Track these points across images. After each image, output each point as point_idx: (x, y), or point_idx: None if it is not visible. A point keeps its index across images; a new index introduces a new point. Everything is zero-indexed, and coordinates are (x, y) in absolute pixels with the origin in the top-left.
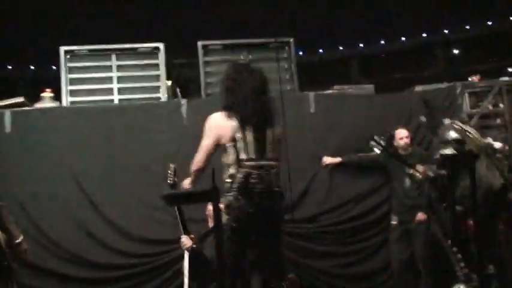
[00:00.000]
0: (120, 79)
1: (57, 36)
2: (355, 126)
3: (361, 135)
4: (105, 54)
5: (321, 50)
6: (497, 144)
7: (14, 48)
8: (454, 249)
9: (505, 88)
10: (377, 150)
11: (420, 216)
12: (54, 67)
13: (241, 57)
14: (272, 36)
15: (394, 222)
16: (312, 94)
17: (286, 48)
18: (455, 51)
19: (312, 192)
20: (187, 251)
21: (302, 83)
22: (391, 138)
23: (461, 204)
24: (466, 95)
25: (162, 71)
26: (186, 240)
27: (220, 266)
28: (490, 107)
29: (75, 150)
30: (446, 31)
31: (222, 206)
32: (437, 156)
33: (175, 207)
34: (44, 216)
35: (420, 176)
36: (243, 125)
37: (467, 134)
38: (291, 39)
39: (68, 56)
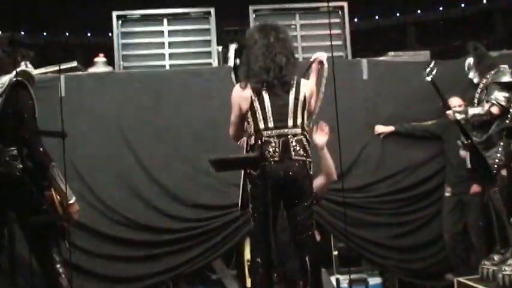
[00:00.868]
0: (171, 44)
1: (110, 1)
2: (409, 94)
3: (415, 104)
4: (157, 19)
5: (377, 17)
6: None
7: (69, 14)
8: None
9: None
10: (428, 78)
11: (475, 187)
12: (110, 34)
13: (293, 22)
14: (325, 0)
15: (447, 194)
16: (364, 60)
17: (339, 13)
18: None
19: (363, 162)
20: None
21: (357, 51)
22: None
23: None
24: None
25: (213, 36)
26: None
27: None
28: None
29: (128, 115)
30: None
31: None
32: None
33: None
34: (97, 179)
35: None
36: (257, 92)
37: None
38: (344, 4)
39: (120, 21)
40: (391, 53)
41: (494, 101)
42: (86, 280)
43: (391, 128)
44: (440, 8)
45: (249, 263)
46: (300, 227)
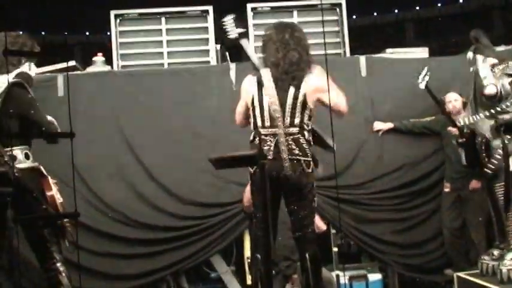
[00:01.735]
0: (169, 43)
1: (108, 0)
2: (408, 91)
3: (414, 100)
4: (155, 18)
5: (375, 13)
6: None
7: (68, 14)
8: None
9: None
10: (422, 86)
11: (474, 183)
12: (108, 33)
13: (290, 20)
14: None
15: (446, 190)
16: (363, 57)
17: (337, 10)
18: None
19: (361, 159)
20: None
21: (355, 48)
22: (442, 103)
23: None
24: None
25: (211, 35)
26: None
27: None
28: None
29: (126, 114)
30: None
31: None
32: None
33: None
34: (96, 178)
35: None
36: (260, 88)
37: None
38: (342, 1)
39: (119, 20)
40: (390, 50)
41: None
42: (86, 278)
43: (389, 125)
44: (439, 4)
45: (249, 260)
46: (299, 224)
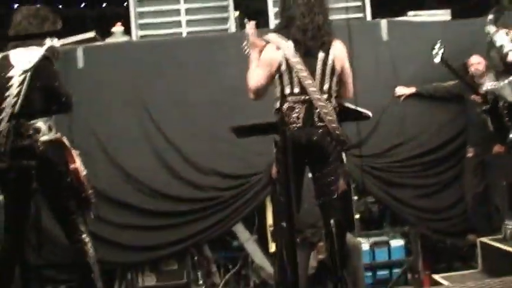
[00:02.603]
0: (188, 11)
1: None
2: (430, 55)
3: (436, 64)
4: None
5: None
6: None
7: None
8: None
9: None
10: (437, 60)
11: (497, 148)
12: (126, 3)
13: None
14: None
15: (469, 155)
16: (384, 21)
17: None
18: None
19: (384, 125)
20: None
21: (376, 11)
22: (465, 66)
23: None
24: None
25: (230, 2)
26: None
27: None
28: None
29: (146, 84)
30: None
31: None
32: None
33: None
34: (118, 149)
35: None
36: (289, 55)
37: None
38: None
39: None
40: (411, 13)
41: None
42: (107, 250)
43: (412, 90)
44: None
45: (271, 228)
46: (323, 191)
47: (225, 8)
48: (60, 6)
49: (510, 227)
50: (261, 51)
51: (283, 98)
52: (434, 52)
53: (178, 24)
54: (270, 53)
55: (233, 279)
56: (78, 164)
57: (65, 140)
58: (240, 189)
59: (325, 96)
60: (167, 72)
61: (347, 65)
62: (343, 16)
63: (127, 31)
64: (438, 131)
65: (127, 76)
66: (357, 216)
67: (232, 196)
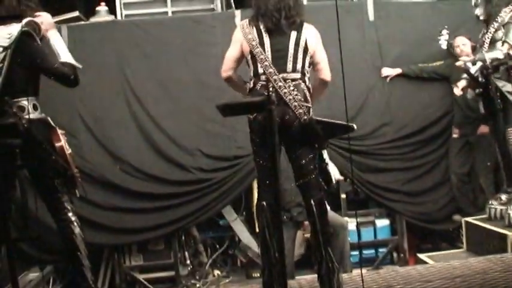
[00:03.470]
0: None
1: None
2: (416, 35)
3: (423, 45)
4: None
5: None
6: None
7: None
8: None
9: None
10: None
11: (482, 128)
12: None
13: None
14: None
15: (455, 135)
16: (370, 1)
17: None
18: None
19: (369, 106)
20: None
21: None
22: (451, 46)
23: None
24: None
25: None
26: None
27: None
28: None
29: (131, 63)
30: None
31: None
32: None
33: None
34: (104, 130)
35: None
36: (261, 34)
37: None
38: None
39: None
40: None
41: None
42: (92, 232)
43: (398, 70)
44: None
45: None
46: (302, 171)
47: None
48: None
49: (495, 206)
50: None
51: (257, 76)
52: (441, 38)
53: (163, 3)
54: (241, 33)
55: (220, 259)
56: (63, 142)
57: (49, 119)
58: (229, 171)
59: (298, 75)
60: (152, 52)
61: (319, 46)
62: None
63: (111, 10)
64: (424, 112)
65: (112, 56)
66: (343, 196)
67: (221, 178)
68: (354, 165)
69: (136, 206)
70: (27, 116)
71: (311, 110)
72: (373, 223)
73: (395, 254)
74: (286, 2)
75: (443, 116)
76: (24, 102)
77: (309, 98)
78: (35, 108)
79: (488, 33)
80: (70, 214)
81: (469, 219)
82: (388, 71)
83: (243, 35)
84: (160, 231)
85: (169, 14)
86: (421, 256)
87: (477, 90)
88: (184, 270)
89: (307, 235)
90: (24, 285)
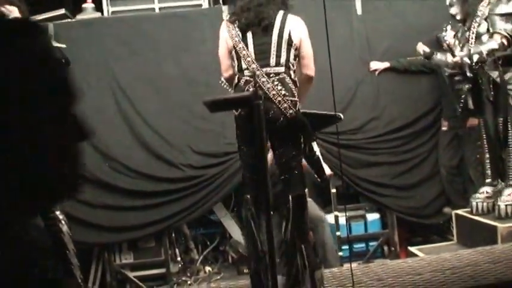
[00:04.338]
0: None
1: None
2: (404, 29)
3: (411, 38)
4: None
5: None
6: None
7: None
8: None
9: None
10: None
11: (472, 120)
12: None
13: None
14: None
15: (444, 128)
16: None
17: None
18: None
19: (358, 100)
20: None
21: None
22: (438, 40)
23: None
24: None
25: None
26: None
27: None
28: None
29: (119, 61)
30: None
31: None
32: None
33: None
34: (93, 128)
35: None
36: (242, 30)
37: None
38: None
39: None
40: None
41: (503, 32)
42: (81, 230)
43: (386, 64)
44: None
45: None
46: (285, 167)
47: None
48: None
49: (479, 201)
50: None
51: (241, 72)
52: (446, 34)
53: None
54: (224, 30)
55: (211, 255)
56: None
57: None
58: (219, 167)
59: (282, 69)
60: (140, 49)
61: (305, 40)
62: None
63: (98, 7)
64: (413, 105)
65: (99, 53)
66: (333, 190)
67: (211, 175)
68: (343, 159)
69: (126, 203)
70: None
71: (298, 103)
72: (363, 217)
73: (386, 248)
74: (256, 1)
75: (432, 109)
76: None
77: (295, 91)
78: None
79: (472, 28)
80: (57, 212)
81: (459, 211)
82: (376, 65)
83: (226, 31)
84: (150, 229)
85: (157, 10)
86: (412, 249)
87: (467, 86)
88: (175, 267)
89: None
90: None
